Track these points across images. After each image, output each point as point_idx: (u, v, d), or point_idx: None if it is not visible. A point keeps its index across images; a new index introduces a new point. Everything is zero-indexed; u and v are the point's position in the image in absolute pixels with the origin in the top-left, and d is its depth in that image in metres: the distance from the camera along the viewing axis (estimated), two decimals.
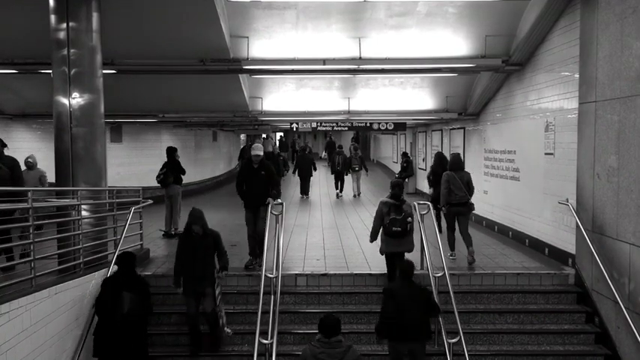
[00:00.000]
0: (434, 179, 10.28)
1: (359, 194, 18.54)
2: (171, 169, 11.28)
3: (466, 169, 9.05)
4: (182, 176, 11.57)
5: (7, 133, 14.65)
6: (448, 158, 9.88)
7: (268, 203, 8.14)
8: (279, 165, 16.46)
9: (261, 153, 8.43)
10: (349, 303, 7.84)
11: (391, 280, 7.61)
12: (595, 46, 7.17)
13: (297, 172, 18.75)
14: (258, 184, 8.35)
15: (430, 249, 7.67)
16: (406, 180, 20.07)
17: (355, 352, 5.20)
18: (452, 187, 8.68)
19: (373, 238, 7.86)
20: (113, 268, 7.08)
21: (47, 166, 9.21)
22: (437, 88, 13.64)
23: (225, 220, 13.07)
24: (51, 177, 7.71)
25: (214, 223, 12.37)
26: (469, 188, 8.82)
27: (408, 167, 20.17)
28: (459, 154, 9.70)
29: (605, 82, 6.94)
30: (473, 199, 8.83)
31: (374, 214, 7.91)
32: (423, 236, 7.83)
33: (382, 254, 7.73)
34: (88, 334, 6.60)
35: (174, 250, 9.81)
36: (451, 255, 8.84)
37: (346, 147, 22.11)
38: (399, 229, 7.44)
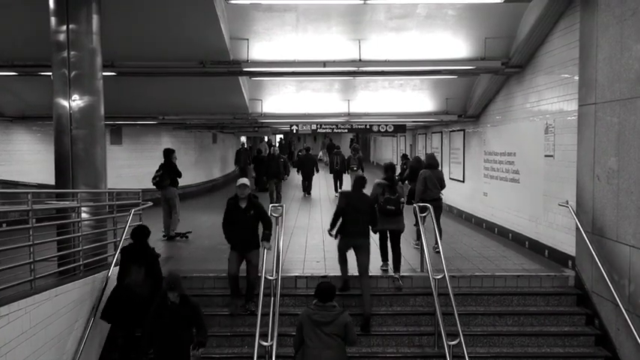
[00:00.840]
0: (412, 176, 11.07)
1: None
2: (168, 172, 11.20)
3: (466, 171, 9.26)
4: (178, 179, 11.45)
5: (7, 136, 14.65)
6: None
7: (263, 248, 7.42)
8: (280, 167, 16.36)
9: (247, 183, 7.48)
10: (349, 305, 7.81)
11: (384, 258, 8.37)
12: (595, 48, 7.17)
13: (300, 172, 19.61)
14: (246, 226, 7.46)
15: (430, 252, 7.66)
16: (406, 182, 20.08)
17: (346, 316, 5.71)
18: (428, 185, 9.46)
19: None
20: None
21: (47, 168, 9.20)
22: (437, 90, 13.64)
23: None
24: (51, 179, 7.70)
25: (213, 225, 12.40)
26: (441, 185, 9.77)
27: (407, 169, 20.15)
28: (433, 154, 10.60)
29: (604, 84, 6.95)
30: (475, 198, 8.89)
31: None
32: (423, 238, 7.82)
33: (375, 233, 8.00)
34: (88, 336, 6.60)
35: (175, 252, 9.85)
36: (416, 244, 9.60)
37: (344, 148, 22.43)
38: (393, 207, 8.03)
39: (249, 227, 7.46)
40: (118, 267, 7.12)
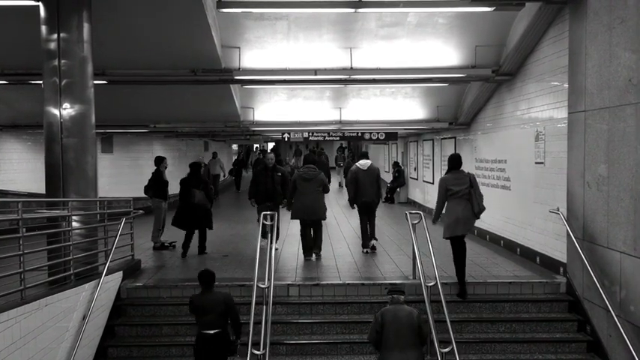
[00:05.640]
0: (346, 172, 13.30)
1: (344, 185, 21.57)
2: (153, 181, 11.01)
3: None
4: (166, 188, 11.09)
5: None
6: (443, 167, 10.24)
7: None
8: (275, 186, 10.38)
9: None
10: (341, 313, 7.82)
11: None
12: (584, 56, 7.24)
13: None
14: None
15: (422, 258, 7.66)
16: (398, 190, 20.15)
17: (323, 175, 9.72)
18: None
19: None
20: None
21: (38, 177, 9.15)
22: (428, 97, 13.71)
23: (218, 230, 13.02)
24: (41, 188, 7.66)
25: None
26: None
27: (399, 177, 20.22)
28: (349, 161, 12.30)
29: (594, 92, 7.01)
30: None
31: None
32: (415, 245, 7.82)
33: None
34: (79, 346, 6.55)
35: (166, 260, 9.79)
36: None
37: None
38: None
39: None
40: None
